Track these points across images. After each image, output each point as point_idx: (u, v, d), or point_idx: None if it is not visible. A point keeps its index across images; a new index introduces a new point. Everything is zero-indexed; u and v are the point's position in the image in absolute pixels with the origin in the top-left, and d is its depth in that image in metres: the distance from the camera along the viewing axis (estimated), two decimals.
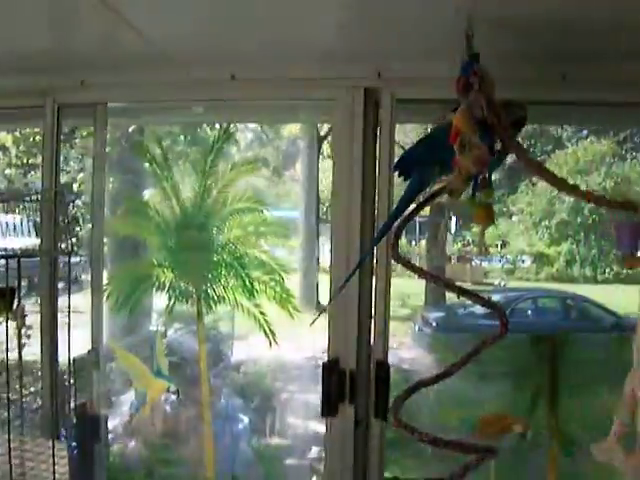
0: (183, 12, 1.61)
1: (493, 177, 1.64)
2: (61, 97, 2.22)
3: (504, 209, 13.37)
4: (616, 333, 7.51)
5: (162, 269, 4.29)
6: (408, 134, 7.51)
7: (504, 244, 12.72)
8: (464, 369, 2.27)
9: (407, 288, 10.60)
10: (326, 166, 11.83)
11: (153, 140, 4.40)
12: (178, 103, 2.28)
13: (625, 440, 1.67)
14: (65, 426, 2.18)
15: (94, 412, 2.21)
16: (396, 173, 1.81)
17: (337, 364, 2.03)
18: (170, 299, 4.30)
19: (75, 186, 7.27)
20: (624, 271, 12.46)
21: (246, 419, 4.78)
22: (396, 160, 1.75)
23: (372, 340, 2.05)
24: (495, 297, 8.46)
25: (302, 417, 5.60)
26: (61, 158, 2.28)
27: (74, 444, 2.19)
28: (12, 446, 1.97)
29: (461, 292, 1.66)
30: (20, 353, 2.07)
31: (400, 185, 1.85)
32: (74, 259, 2.31)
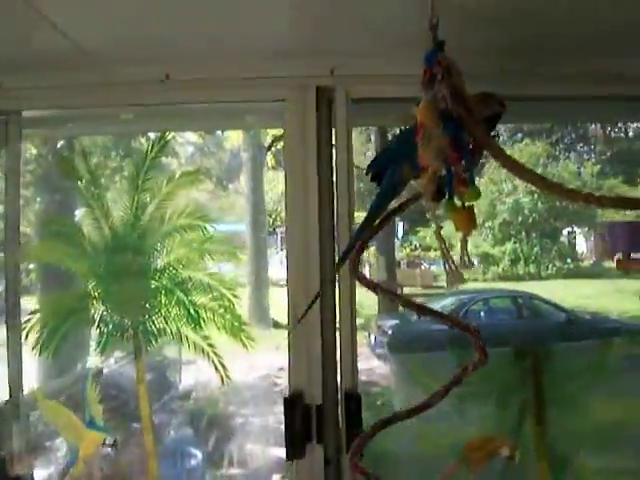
0: (109, 3, 1.38)
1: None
2: None
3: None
4: (573, 329, 7.65)
5: (92, 300, 3.67)
6: None
7: (451, 247, 12.83)
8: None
9: (360, 297, 10.51)
10: (271, 177, 11.65)
11: (80, 154, 3.85)
12: (105, 110, 1.99)
13: None
14: None
15: (16, 470, 1.89)
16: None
17: (301, 398, 1.80)
18: (102, 335, 3.64)
19: None
20: (565, 266, 12.88)
21: (199, 453, 4.37)
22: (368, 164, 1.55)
23: (339, 369, 1.83)
24: (448, 300, 8.44)
25: (261, 443, 5.25)
26: None
27: None
28: None
29: (432, 314, 1.47)
30: None
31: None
32: None
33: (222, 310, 3.58)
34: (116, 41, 1.64)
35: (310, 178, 1.81)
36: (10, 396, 1.90)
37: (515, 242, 12.62)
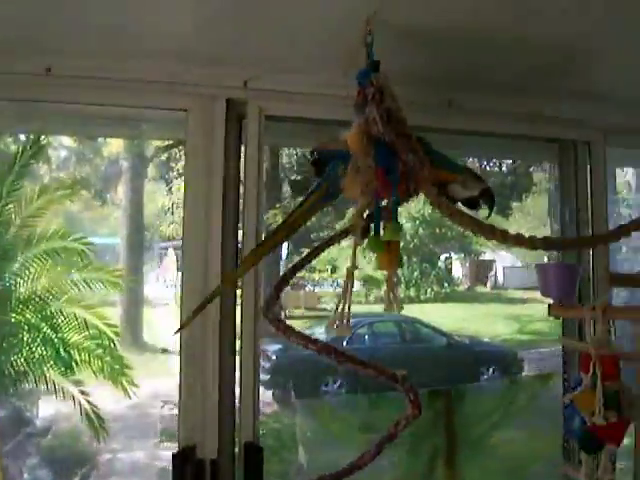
0: None
1: None
2: None
3: (332, 233, 13.70)
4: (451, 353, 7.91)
5: None
6: None
7: (334, 269, 12.97)
8: (351, 439, 1.95)
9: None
10: (151, 189, 11.10)
11: None
12: None
13: None
14: None
15: None
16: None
17: (193, 453, 1.56)
18: None
19: None
20: (442, 291, 13.50)
21: None
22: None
23: (237, 418, 1.62)
24: None
25: None
26: None
27: None
28: None
29: (355, 362, 1.30)
30: None
31: None
32: None
33: (100, 351, 2.96)
34: None
35: (214, 199, 1.59)
36: None
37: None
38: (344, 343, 7.67)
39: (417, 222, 12.48)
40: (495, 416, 1.81)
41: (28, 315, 3.02)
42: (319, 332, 8.15)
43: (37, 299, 3.00)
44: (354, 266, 1.30)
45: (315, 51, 1.49)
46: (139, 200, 9.59)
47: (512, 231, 1.18)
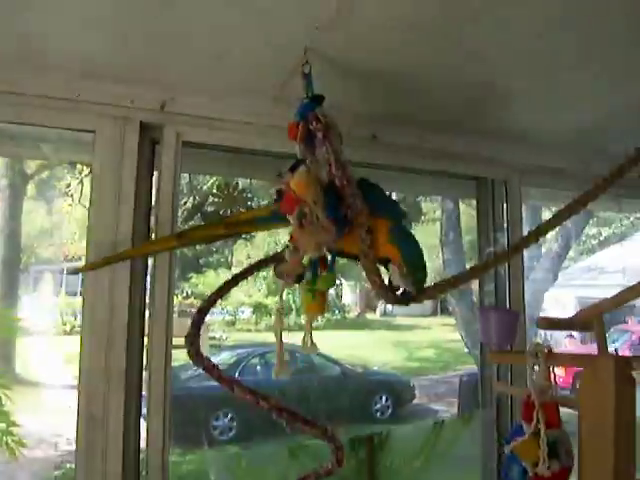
0: None
1: None
2: None
3: (222, 259, 13.41)
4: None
5: None
6: None
7: (224, 297, 12.67)
8: None
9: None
10: (29, 208, 10.30)
11: None
12: None
13: None
14: None
15: None
16: None
17: None
18: None
19: None
20: (333, 317, 13.61)
21: None
22: None
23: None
24: (226, 354, 8.18)
25: None
26: None
27: None
28: None
29: (299, 420, 1.21)
30: None
31: None
32: None
33: None
34: None
35: (122, 228, 1.43)
36: None
37: (289, 293, 12.88)
38: (235, 374, 7.45)
39: None
40: (417, 461, 1.76)
41: None
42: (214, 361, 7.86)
43: None
44: (283, 308, 1.22)
45: (240, 76, 1.40)
46: (17, 220, 8.84)
47: None
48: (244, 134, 1.53)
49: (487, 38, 1.25)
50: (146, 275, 1.50)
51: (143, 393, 1.47)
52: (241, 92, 1.46)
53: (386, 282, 1.14)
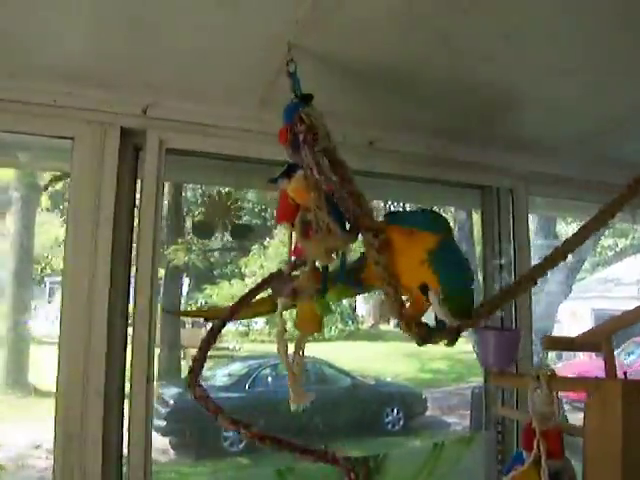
0: None
1: None
2: None
3: (236, 270, 13.37)
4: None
5: None
6: None
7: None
8: None
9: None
10: (43, 220, 10.35)
11: None
12: None
13: None
14: None
15: None
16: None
17: None
18: None
19: None
20: (347, 328, 13.47)
21: None
22: None
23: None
24: (237, 365, 8.11)
25: None
26: None
27: None
28: None
29: (292, 448, 1.12)
30: None
31: None
32: None
33: None
34: None
35: (101, 240, 1.36)
36: None
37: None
38: (246, 386, 7.38)
39: None
40: None
41: None
42: (221, 374, 7.84)
43: None
44: (285, 330, 1.12)
45: (224, 78, 1.32)
46: (30, 232, 8.90)
47: None
48: (233, 140, 1.46)
49: (489, 38, 1.16)
50: (129, 283, 1.43)
51: None
52: (227, 95, 1.39)
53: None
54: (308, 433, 7.21)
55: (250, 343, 12.33)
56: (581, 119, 1.60)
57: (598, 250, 12.32)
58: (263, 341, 12.31)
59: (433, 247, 1.00)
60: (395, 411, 8.04)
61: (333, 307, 1.11)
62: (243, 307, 1.18)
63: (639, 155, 1.69)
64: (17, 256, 8.67)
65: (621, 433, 0.98)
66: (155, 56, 1.24)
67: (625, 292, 10.13)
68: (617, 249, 12.67)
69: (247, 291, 1.19)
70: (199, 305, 12.52)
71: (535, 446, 1.03)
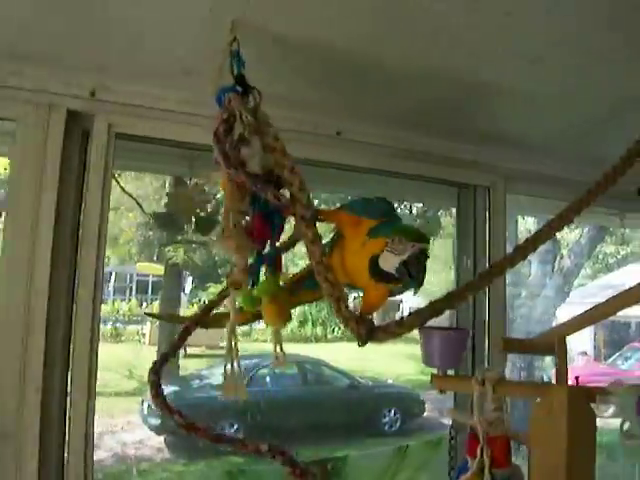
0: None
1: None
2: None
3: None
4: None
5: None
6: None
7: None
8: None
9: (134, 357, 9.61)
10: None
11: None
12: None
13: None
14: None
15: None
16: None
17: None
18: None
19: None
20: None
21: None
22: None
23: None
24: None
25: None
26: None
27: None
28: None
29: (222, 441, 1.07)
30: None
31: None
32: None
33: None
34: None
35: (42, 230, 1.29)
36: None
37: (309, 305, 12.89)
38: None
39: None
40: None
41: None
42: (218, 372, 7.76)
43: None
44: (234, 322, 1.06)
45: (176, 61, 1.25)
46: None
47: None
48: (187, 126, 1.39)
49: (462, 20, 1.09)
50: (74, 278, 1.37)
51: None
52: (178, 78, 1.32)
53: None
54: (304, 433, 7.18)
55: (252, 342, 12.31)
56: (562, 116, 1.53)
57: (600, 257, 12.19)
58: (265, 340, 12.29)
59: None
60: (393, 412, 7.98)
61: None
62: (208, 313, 1.15)
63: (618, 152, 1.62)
64: None
65: (566, 441, 0.90)
66: (101, 34, 1.17)
67: None
68: (619, 256, 12.55)
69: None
70: (202, 303, 12.52)
71: (479, 454, 0.96)
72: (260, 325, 13.57)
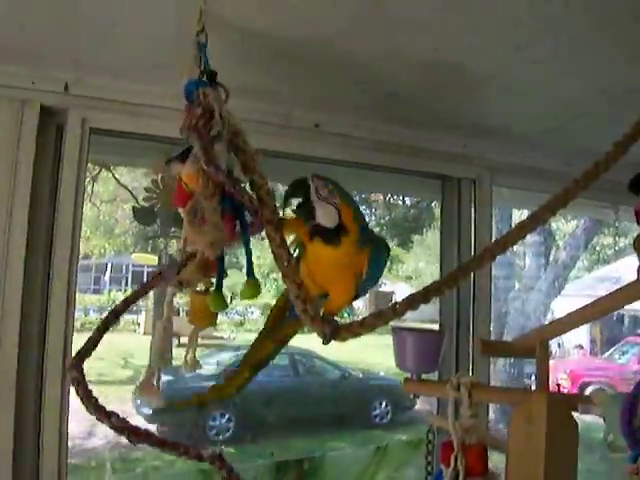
0: None
1: None
2: None
3: (234, 260, 13.35)
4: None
5: None
6: None
7: (234, 296, 12.61)
8: None
9: (130, 346, 9.59)
10: None
11: None
12: None
13: None
14: None
15: None
16: None
17: None
18: None
19: None
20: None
21: None
22: None
23: None
24: (226, 355, 8.06)
25: None
26: None
27: None
28: None
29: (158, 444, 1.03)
30: None
31: None
32: None
33: None
34: None
35: (15, 222, 1.26)
36: None
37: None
38: None
39: None
40: None
41: None
42: (209, 362, 7.76)
43: None
44: (170, 319, 1.04)
45: (147, 54, 1.22)
46: None
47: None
48: (160, 120, 1.35)
49: (444, 6, 1.04)
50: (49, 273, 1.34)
51: None
52: (150, 72, 1.28)
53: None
54: (294, 424, 7.18)
55: (246, 332, 12.30)
56: (547, 106, 1.48)
57: (597, 249, 12.17)
58: (258, 330, 12.29)
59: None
60: (383, 404, 7.99)
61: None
62: (139, 297, 1.10)
63: (608, 146, 1.58)
64: None
65: (544, 449, 0.88)
66: (73, 28, 1.14)
67: None
68: (616, 248, 12.52)
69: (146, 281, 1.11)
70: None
71: (452, 462, 0.94)
72: (254, 316, 13.48)
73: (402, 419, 7.93)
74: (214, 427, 7.15)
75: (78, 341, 1.29)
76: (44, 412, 1.29)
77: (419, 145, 1.64)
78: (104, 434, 6.78)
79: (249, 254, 1.01)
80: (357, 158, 1.61)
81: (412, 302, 0.91)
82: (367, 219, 1.19)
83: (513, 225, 1.06)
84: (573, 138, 1.66)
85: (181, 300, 1.31)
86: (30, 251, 1.28)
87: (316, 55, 1.20)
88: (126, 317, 12.51)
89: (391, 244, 12.95)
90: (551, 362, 1.07)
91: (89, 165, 1.39)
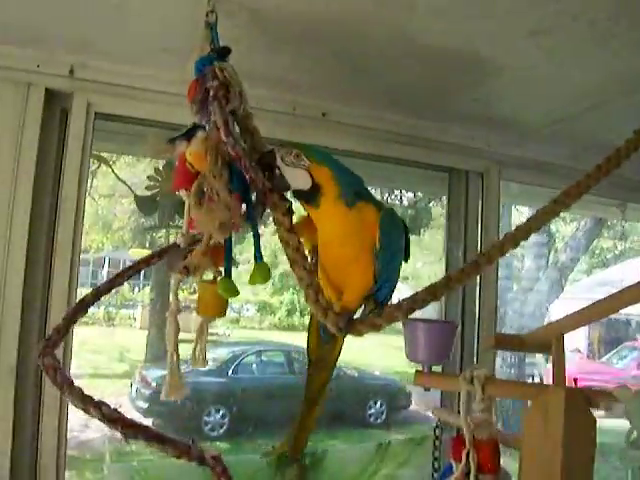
0: None
1: None
2: None
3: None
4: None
5: None
6: None
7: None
8: None
9: (127, 340, 9.55)
10: None
11: None
12: None
13: None
14: None
15: None
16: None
17: None
18: None
19: None
20: None
21: None
22: None
23: None
24: (222, 351, 8.02)
25: None
26: None
27: None
28: None
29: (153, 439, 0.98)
30: None
31: None
32: None
33: None
34: None
35: (19, 205, 1.24)
36: None
37: (293, 293, 12.82)
38: (229, 372, 7.30)
39: None
40: None
41: None
42: (209, 357, 7.70)
43: None
44: (178, 309, 1.01)
45: (163, 38, 1.19)
46: None
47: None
48: (166, 106, 1.33)
49: None
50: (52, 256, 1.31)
51: None
52: (156, 57, 1.26)
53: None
54: (289, 421, 7.13)
55: (241, 329, 12.28)
56: (559, 96, 1.45)
57: (597, 252, 12.14)
58: (254, 327, 12.27)
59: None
60: (378, 404, 7.96)
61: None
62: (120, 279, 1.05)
63: (619, 141, 1.56)
64: None
65: (561, 446, 0.86)
66: (79, 10, 1.11)
67: None
68: (616, 251, 12.50)
69: (137, 261, 1.07)
70: (192, 290, 12.42)
71: (464, 458, 0.91)
72: (249, 313, 13.44)
73: (397, 419, 7.90)
74: (209, 422, 7.12)
75: (78, 334, 1.28)
76: (43, 408, 1.28)
77: (426, 136, 1.62)
78: (99, 427, 6.76)
79: (257, 236, 0.98)
80: (364, 148, 1.59)
81: (434, 290, 0.88)
82: None
83: (513, 224, 1.04)
84: (585, 131, 1.63)
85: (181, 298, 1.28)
86: (33, 233, 1.26)
87: (327, 37, 1.17)
88: (122, 312, 12.47)
89: None
90: (548, 366, 1.05)
91: None
